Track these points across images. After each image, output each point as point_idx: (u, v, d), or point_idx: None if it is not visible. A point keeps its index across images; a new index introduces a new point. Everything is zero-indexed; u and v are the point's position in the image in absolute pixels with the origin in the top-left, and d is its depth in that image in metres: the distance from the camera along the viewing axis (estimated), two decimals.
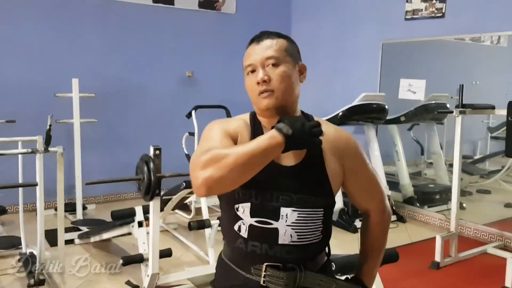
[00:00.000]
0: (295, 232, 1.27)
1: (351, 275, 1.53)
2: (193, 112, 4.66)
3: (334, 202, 1.35)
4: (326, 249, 1.41)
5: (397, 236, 4.33)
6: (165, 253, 3.20)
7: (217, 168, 1.12)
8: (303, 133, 1.17)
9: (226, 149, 1.18)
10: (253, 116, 1.39)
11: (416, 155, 5.85)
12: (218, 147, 1.21)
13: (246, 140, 1.30)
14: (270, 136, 1.16)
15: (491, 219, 4.65)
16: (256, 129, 1.34)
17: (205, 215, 3.82)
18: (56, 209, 3.65)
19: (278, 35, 1.35)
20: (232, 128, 1.33)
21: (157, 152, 2.81)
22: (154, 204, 2.78)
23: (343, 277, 1.55)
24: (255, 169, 1.17)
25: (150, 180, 2.68)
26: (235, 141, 1.30)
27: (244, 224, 1.28)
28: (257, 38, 1.34)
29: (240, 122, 1.36)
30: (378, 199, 1.46)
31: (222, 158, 1.12)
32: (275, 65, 1.29)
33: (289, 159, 1.29)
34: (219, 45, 5.89)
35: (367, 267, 1.48)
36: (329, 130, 1.35)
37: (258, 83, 1.29)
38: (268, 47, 1.31)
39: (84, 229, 4.13)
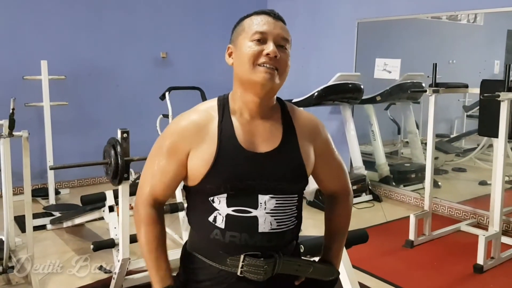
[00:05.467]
0: (274, 219, 1.23)
1: (318, 258, 1.51)
2: (166, 93, 4.56)
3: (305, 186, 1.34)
4: None
5: (373, 215, 4.35)
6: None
7: (138, 232, 1.35)
8: None
9: (145, 235, 1.35)
10: (222, 103, 1.28)
11: (393, 134, 5.88)
12: (157, 184, 1.30)
13: (213, 135, 1.23)
14: (157, 282, 1.29)
15: (465, 197, 4.71)
16: (224, 120, 1.25)
17: (179, 198, 3.78)
18: None
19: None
20: (188, 135, 1.27)
21: (125, 135, 2.74)
22: (123, 189, 2.71)
23: (311, 260, 1.54)
24: None
25: (117, 164, 2.61)
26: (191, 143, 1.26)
27: (220, 215, 1.22)
28: (272, 13, 1.25)
29: (204, 116, 1.26)
30: (344, 182, 1.46)
31: (139, 240, 1.36)
32: (285, 48, 1.24)
33: (264, 146, 1.25)
34: (194, 26, 5.77)
35: (334, 249, 1.46)
36: (302, 116, 1.33)
37: (268, 54, 1.19)
38: (283, 29, 1.25)
39: (57, 214, 4.07)
